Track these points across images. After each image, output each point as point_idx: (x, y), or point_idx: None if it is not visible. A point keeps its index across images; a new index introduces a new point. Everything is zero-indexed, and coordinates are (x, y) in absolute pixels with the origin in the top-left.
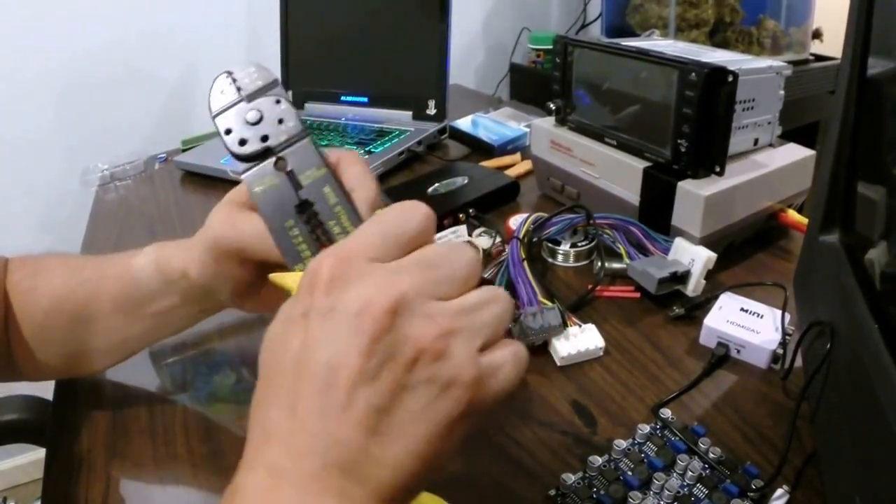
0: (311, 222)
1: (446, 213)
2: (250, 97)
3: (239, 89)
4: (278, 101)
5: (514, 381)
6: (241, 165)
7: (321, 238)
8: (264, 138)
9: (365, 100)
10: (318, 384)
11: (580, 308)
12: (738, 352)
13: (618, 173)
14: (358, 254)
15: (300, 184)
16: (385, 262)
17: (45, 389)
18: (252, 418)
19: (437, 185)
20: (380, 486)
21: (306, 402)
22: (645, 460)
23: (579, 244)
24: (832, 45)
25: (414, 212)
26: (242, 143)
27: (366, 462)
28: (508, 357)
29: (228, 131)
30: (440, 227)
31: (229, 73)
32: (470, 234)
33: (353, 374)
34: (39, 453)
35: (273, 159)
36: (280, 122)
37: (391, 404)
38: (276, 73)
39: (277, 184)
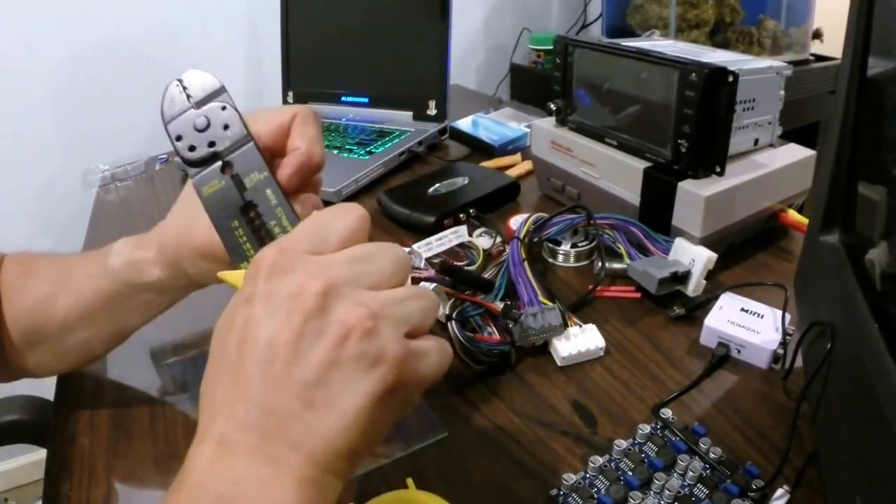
0: (255, 222)
1: (447, 214)
2: (198, 104)
3: (189, 97)
4: (224, 108)
5: (439, 368)
6: (192, 170)
7: (263, 236)
8: (211, 143)
9: (365, 100)
10: (257, 360)
11: (581, 308)
12: (739, 352)
13: (618, 173)
14: (296, 246)
15: (244, 186)
16: (321, 255)
17: (46, 390)
18: (201, 399)
19: (437, 185)
20: (313, 454)
21: (247, 376)
22: (645, 460)
23: (580, 244)
24: (832, 45)
25: (349, 212)
26: (192, 148)
27: (301, 431)
28: (433, 346)
29: (179, 137)
30: (441, 228)
31: (180, 82)
32: (470, 235)
33: (287, 351)
34: (40, 454)
35: (219, 163)
36: (225, 127)
37: (323, 378)
38: (277, 73)
39: (223, 186)
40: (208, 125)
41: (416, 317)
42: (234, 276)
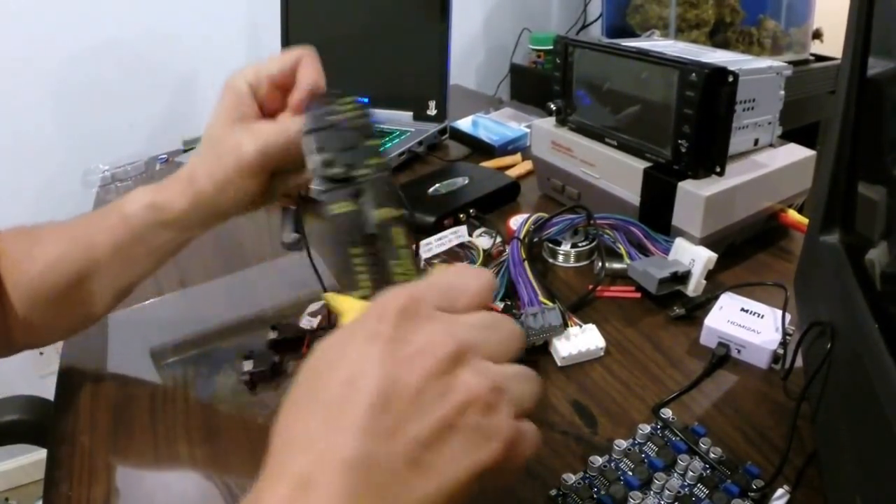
0: (374, 256)
1: (447, 214)
2: (350, 123)
3: (344, 116)
4: (370, 136)
5: (531, 453)
6: (322, 184)
7: (380, 273)
8: (349, 166)
9: (365, 100)
10: (370, 405)
11: (581, 308)
12: (739, 352)
13: (618, 174)
14: (427, 298)
15: (374, 217)
16: (450, 312)
17: (46, 390)
18: (281, 428)
19: (437, 185)
20: None
21: (352, 419)
22: (645, 460)
23: (580, 244)
24: (832, 45)
25: (481, 275)
26: (329, 164)
27: (399, 490)
28: (531, 432)
29: (321, 149)
30: (441, 228)
31: (337, 96)
32: (470, 235)
33: (407, 404)
34: (41, 454)
35: (354, 187)
36: (367, 155)
37: (436, 441)
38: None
39: (352, 211)
40: (351, 147)
41: (527, 400)
42: (343, 301)
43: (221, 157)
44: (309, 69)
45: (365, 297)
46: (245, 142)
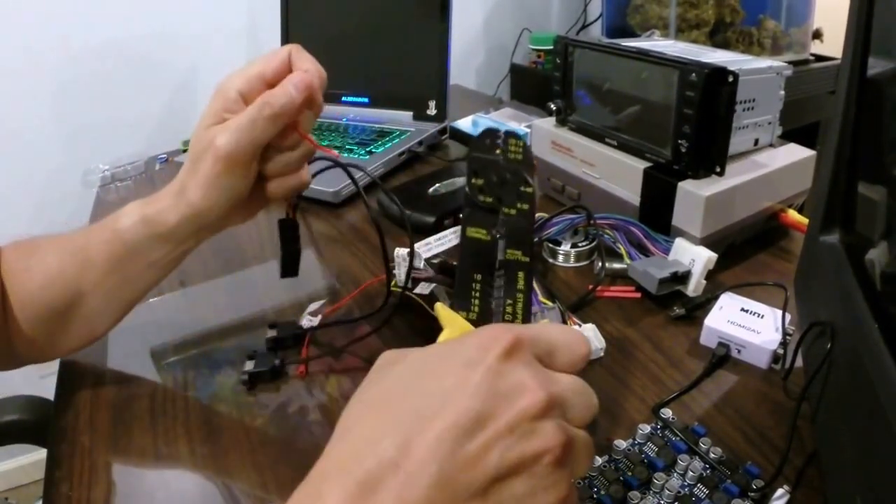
0: (490, 288)
1: (447, 214)
2: (507, 161)
3: (504, 150)
4: (526, 184)
5: None
6: (469, 205)
7: (490, 304)
8: (499, 200)
9: (366, 100)
10: (459, 426)
11: (581, 308)
12: (739, 352)
13: (618, 174)
14: (532, 345)
15: (503, 254)
16: (546, 366)
17: (46, 390)
18: (351, 419)
19: (437, 185)
20: None
21: (440, 435)
22: (645, 460)
23: (580, 244)
24: (832, 45)
25: (582, 343)
26: (481, 190)
27: None
28: (573, 493)
29: (476, 173)
30: (440, 228)
31: (506, 134)
32: None
33: (493, 436)
34: (41, 454)
35: (499, 217)
36: (518, 199)
37: (508, 479)
38: None
39: (488, 241)
40: (504, 182)
41: (581, 470)
42: (453, 319)
43: (200, 158)
44: (304, 58)
45: (471, 321)
46: (217, 136)
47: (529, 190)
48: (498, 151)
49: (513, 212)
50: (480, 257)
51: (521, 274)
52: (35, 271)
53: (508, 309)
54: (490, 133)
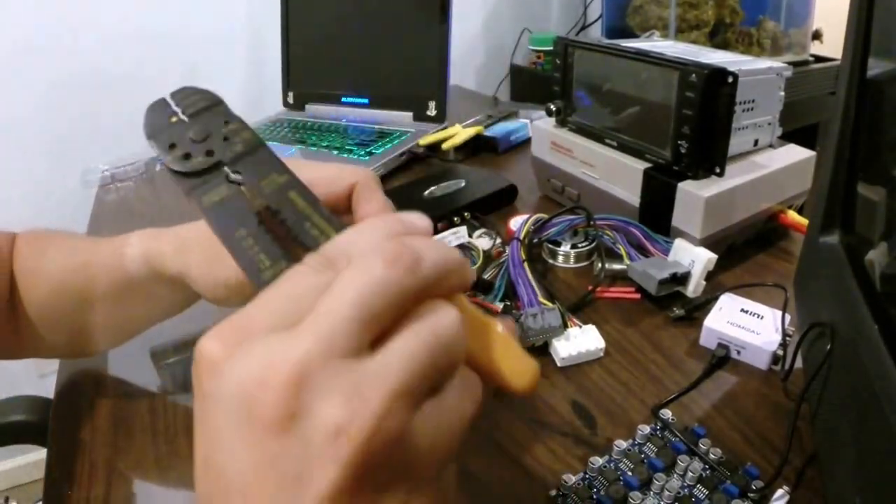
0: (278, 230)
1: (440, 217)
2: (192, 116)
3: (181, 109)
4: (227, 122)
5: (461, 436)
6: (187, 181)
7: (292, 245)
8: (209, 152)
9: (365, 101)
10: None
11: (580, 309)
12: (739, 353)
13: (618, 174)
14: (255, 321)
15: (262, 192)
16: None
17: (46, 389)
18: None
19: (433, 188)
20: None
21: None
22: (645, 461)
23: (580, 245)
24: (832, 46)
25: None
26: (187, 157)
27: None
28: (446, 414)
29: (172, 146)
30: (435, 231)
31: (172, 96)
32: (470, 236)
33: (266, 485)
34: (41, 453)
35: (224, 170)
36: (226, 138)
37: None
38: (277, 74)
39: (226, 196)
40: (207, 136)
41: (418, 373)
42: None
43: (202, 262)
44: (372, 204)
45: (271, 279)
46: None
47: (233, 123)
48: (174, 119)
49: (236, 149)
50: (237, 215)
51: (292, 194)
52: (43, 274)
53: (314, 233)
54: (156, 106)
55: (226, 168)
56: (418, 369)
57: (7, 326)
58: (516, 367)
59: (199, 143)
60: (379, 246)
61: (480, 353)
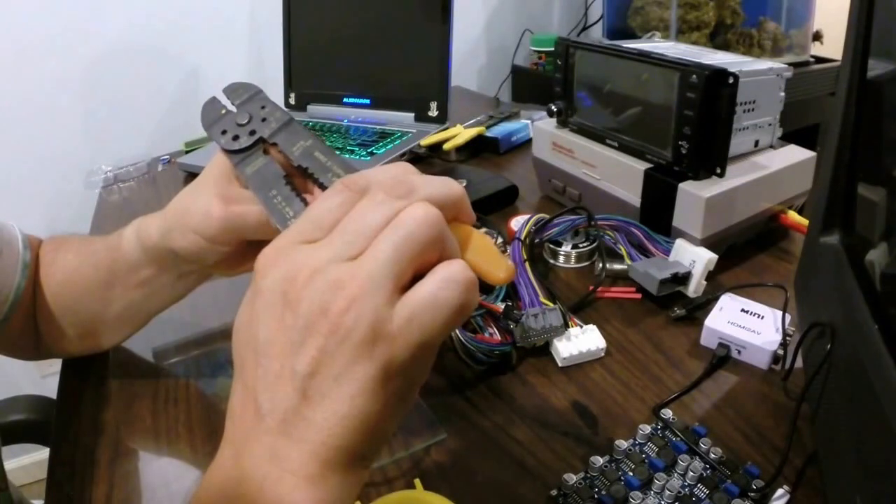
0: (304, 187)
1: None
2: (238, 106)
3: (231, 102)
4: (263, 107)
5: (443, 323)
6: (235, 158)
7: (305, 201)
8: (252, 132)
9: (367, 102)
10: (258, 357)
11: (581, 309)
12: (739, 353)
13: (619, 175)
14: (289, 239)
15: (293, 155)
16: (314, 241)
17: (48, 389)
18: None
19: None
20: (314, 447)
21: (251, 374)
22: (646, 461)
23: (581, 245)
24: (833, 46)
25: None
26: (236, 138)
27: (301, 424)
28: (429, 295)
29: (224, 132)
30: None
31: (220, 95)
32: None
33: (281, 346)
34: (43, 453)
35: (261, 146)
36: (264, 119)
37: (315, 370)
38: (279, 75)
39: (262, 166)
40: (249, 120)
41: (401, 261)
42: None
43: (180, 207)
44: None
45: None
46: (198, 200)
47: (268, 107)
48: (223, 111)
49: (267, 130)
50: (270, 178)
51: (317, 153)
52: (58, 266)
53: (335, 179)
54: (208, 103)
55: (262, 143)
56: (393, 256)
57: (29, 323)
58: (494, 262)
59: (243, 126)
60: (382, 179)
61: (465, 253)
